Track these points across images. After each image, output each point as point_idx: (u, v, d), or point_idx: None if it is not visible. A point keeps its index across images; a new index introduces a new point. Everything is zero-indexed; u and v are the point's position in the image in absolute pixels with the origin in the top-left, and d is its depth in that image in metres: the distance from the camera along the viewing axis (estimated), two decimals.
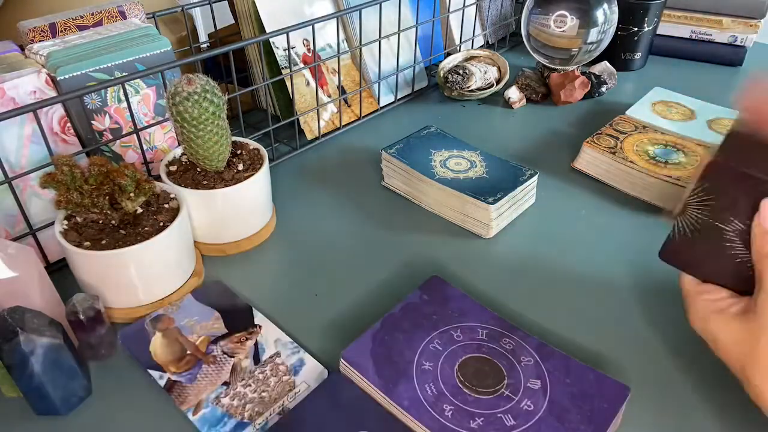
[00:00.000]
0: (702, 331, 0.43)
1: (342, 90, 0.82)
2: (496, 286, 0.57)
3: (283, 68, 0.75)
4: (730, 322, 0.40)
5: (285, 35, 0.71)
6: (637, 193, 0.70)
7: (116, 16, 0.65)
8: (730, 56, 1.03)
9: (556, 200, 0.70)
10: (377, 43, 0.82)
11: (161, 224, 0.52)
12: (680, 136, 0.75)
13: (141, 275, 0.51)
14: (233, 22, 0.85)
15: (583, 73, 0.92)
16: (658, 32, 1.03)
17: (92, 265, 0.50)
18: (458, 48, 1.00)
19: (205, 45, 0.86)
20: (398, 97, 0.91)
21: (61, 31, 0.62)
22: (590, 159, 0.73)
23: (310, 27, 0.73)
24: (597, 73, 0.93)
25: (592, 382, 0.44)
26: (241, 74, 0.79)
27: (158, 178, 0.59)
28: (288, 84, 0.75)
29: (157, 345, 0.50)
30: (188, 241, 0.56)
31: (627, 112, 0.81)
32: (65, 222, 0.52)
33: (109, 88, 0.58)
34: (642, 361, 0.50)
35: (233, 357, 0.49)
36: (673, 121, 0.79)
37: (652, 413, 0.45)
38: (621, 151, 0.72)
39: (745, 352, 0.38)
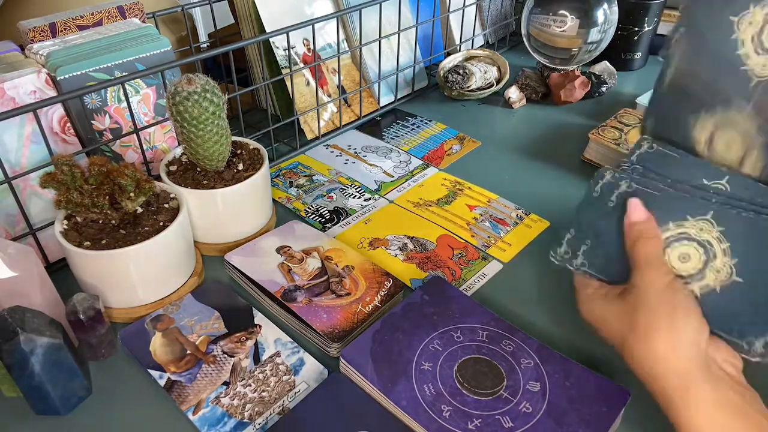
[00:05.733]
0: (589, 316, 0.48)
1: (342, 90, 0.82)
2: (498, 289, 0.57)
3: (283, 68, 0.75)
4: (612, 303, 0.46)
5: (285, 35, 0.71)
6: None
7: (116, 16, 0.65)
8: None
9: (568, 189, 0.71)
10: (377, 42, 0.82)
11: (161, 224, 0.52)
12: None
13: (141, 275, 0.51)
14: (233, 22, 0.85)
15: (583, 73, 0.92)
16: (658, 32, 1.03)
17: (92, 265, 0.50)
18: (458, 48, 1.00)
19: (205, 45, 0.86)
20: (398, 97, 0.91)
21: (61, 31, 0.62)
22: (598, 149, 0.74)
23: (310, 27, 0.73)
24: (597, 72, 0.93)
25: (591, 385, 0.44)
26: (241, 74, 0.79)
27: (158, 178, 0.59)
28: (288, 84, 0.75)
29: (157, 345, 0.50)
30: (188, 241, 0.56)
31: (638, 99, 0.83)
32: (65, 222, 0.52)
33: (109, 88, 0.58)
34: None
35: (233, 357, 0.49)
36: None
37: (652, 417, 0.45)
38: (625, 142, 0.72)
39: (625, 323, 0.43)
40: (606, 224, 0.48)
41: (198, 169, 0.60)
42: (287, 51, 0.73)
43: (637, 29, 0.98)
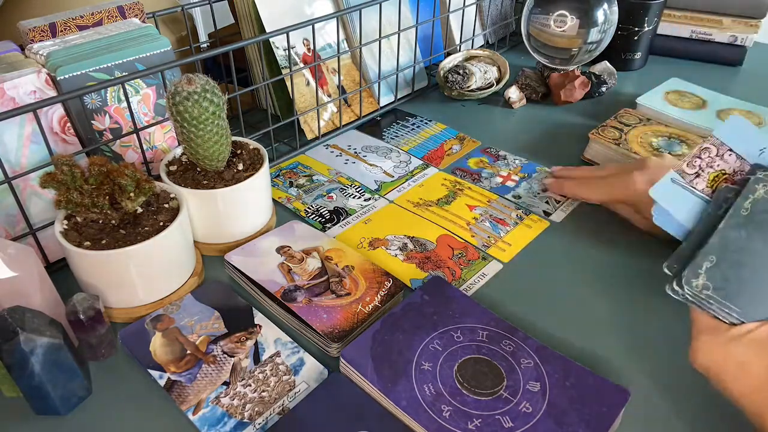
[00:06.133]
0: (715, 364, 0.39)
1: (342, 90, 0.82)
2: (498, 289, 0.57)
3: (283, 68, 0.75)
4: (756, 348, 0.35)
5: (285, 35, 0.71)
6: None
7: (116, 16, 0.65)
8: (730, 56, 1.03)
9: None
10: (377, 42, 0.82)
11: (161, 224, 0.52)
12: (684, 128, 0.76)
13: (141, 275, 0.51)
14: (233, 22, 0.85)
15: (583, 73, 0.92)
16: (658, 32, 1.03)
17: (92, 265, 0.50)
18: (458, 48, 1.00)
19: (205, 45, 0.86)
20: (398, 97, 0.91)
21: (61, 31, 0.61)
22: (598, 149, 0.74)
23: (310, 27, 0.73)
24: (597, 72, 0.93)
25: (591, 385, 0.44)
26: (241, 74, 0.79)
27: (158, 178, 0.59)
28: (288, 84, 0.75)
29: (157, 345, 0.50)
30: (188, 241, 0.56)
31: (638, 99, 0.84)
32: (65, 222, 0.52)
33: (109, 88, 0.58)
34: (642, 366, 0.49)
35: (233, 357, 0.49)
36: (683, 109, 0.80)
37: (652, 417, 0.45)
38: (625, 142, 0.72)
39: None
40: (737, 237, 0.40)
41: (198, 169, 0.60)
42: (287, 51, 0.73)
43: (637, 29, 0.98)
